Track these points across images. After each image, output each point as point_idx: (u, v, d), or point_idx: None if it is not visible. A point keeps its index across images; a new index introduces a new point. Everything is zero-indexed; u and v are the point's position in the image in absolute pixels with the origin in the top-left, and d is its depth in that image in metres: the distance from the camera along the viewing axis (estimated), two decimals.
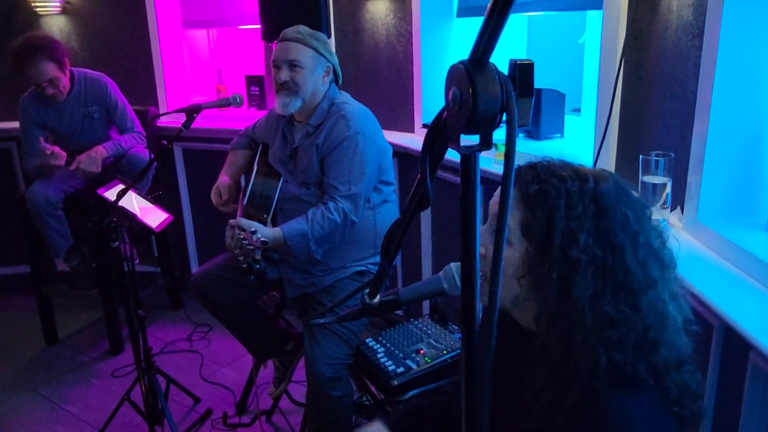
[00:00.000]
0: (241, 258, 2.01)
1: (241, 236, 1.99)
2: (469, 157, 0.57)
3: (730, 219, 1.56)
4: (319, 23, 2.68)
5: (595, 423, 0.90)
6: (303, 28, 2.17)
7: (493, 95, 0.53)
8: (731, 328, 1.33)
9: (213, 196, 2.42)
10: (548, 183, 0.94)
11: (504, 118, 0.54)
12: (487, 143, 0.56)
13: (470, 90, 0.53)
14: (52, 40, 2.96)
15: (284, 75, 2.12)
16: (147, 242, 3.81)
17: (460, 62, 0.54)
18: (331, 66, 2.18)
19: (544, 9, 2.52)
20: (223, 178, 2.44)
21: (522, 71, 0.55)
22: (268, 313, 2.54)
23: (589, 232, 0.92)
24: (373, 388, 2.09)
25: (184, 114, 2.18)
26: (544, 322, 0.94)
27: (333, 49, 2.85)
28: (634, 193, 0.98)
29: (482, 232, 1.04)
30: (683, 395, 0.96)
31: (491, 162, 2.40)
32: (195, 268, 3.90)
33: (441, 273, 1.12)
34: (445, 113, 0.61)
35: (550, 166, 0.98)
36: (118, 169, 3.09)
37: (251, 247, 1.96)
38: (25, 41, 2.87)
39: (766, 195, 1.50)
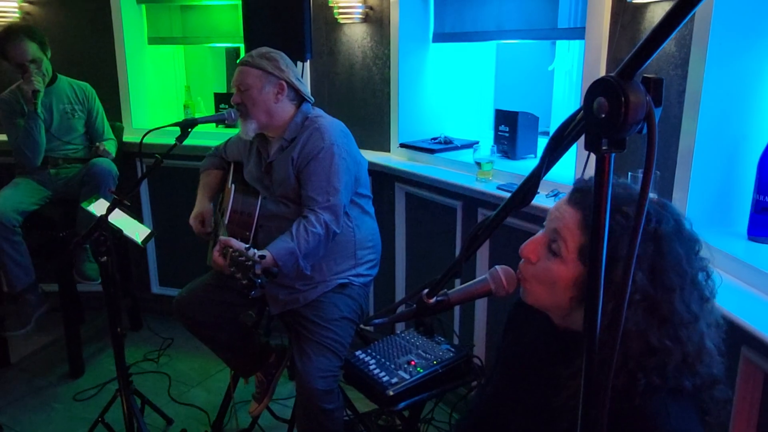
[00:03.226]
0: (239, 275, 1.99)
1: (236, 254, 1.98)
2: (605, 158, 0.66)
3: (713, 229, 1.73)
4: (302, 45, 2.74)
5: (635, 418, 0.97)
6: (258, 50, 2.22)
7: (640, 104, 0.62)
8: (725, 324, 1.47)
9: (194, 223, 2.41)
10: (613, 218, 0.96)
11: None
12: (621, 146, 0.66)
13: (622, 99, 0.62)
14: (32, 25, 3.08)
15: (235, 98, 2.19)
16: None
17: (608, 76, 0.63)
18: (283, 82, 2.18)
19: (519, 38, 2.69)
20: (204, 203, 2.44)
21: (655, 86, 0.65)
22: (252, 329, 2.54)
23: (645, 271, 0.97)
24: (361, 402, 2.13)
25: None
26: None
27: (303, 67, 2.92)
28: (687, 227, 1.04)
29: (537, 240, 1.11)
30: (715, 407, 1.04)
31: (473, 180, 2.52)
32: (156, 288, 3.82)
33: (487, 275, 1.20)
34: (576, 120, 0.70)
35: (616, 197, 0.95)
36: (81, 181, 3.03)
37: (249, 263, 1.96)
38: (5, 26, 2.96)
39: (744, 207, 1.68)
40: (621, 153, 0.67)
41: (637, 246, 0.65)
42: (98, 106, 3.24)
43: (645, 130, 0.65)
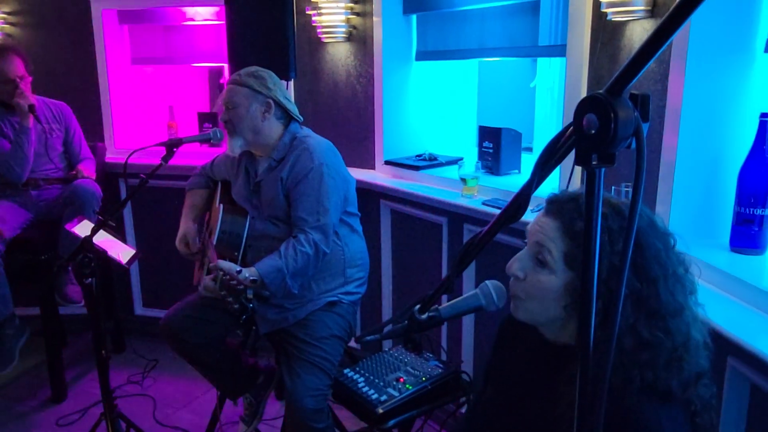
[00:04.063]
0: (231, 299, 1.97)
1: (227, 278, 1.97)
2: (595, 173, 0.68)
3: (696, 241, 1.76)
4: (286, 64, 2.76)
5: (628, 429, 0.98)
6: (246, 69, 2.23)
7: (628, 120, 0.64)
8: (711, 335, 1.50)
9: (179, 245, 2.39)
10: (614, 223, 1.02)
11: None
12: (610, 160, 0.67)
13: (611, 115, 0.63)
14: (16, 44, 3.16)
15: (223, 116, 2.21)
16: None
17: (598, 93, 0.65)
18: (270, 101, 2.20)
19: (500, 56, 2.73)
20: (189, 225, 2.42)
21: (643, 102, 0.67)
22: (238, 349, 2.52)
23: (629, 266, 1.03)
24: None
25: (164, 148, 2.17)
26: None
27: (288, 86, 2.94)
28: (660, 224, 1.09)
29: (522, 257, 1.13)
30: (703, 407, 1.06)
31: (458, 196, 2.54)
32: (140, 309, 3.78)
33: (478, 289, 1.21)
34: (565, 136, 0.72)
35: None
36: (63, 202, 3.00)
37: (241, 287, 1.95)
38: None
39: (726, 220, 1.71)
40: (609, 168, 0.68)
41: (630, 252, 0.66)
42: (75, 124, 3.23)
43: (634, 145, 0.67)
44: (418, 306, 1.14)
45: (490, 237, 0.89)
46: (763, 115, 1.59)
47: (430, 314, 1.18)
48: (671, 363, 1.02)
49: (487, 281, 1.20)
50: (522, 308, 1.15)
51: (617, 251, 1.02)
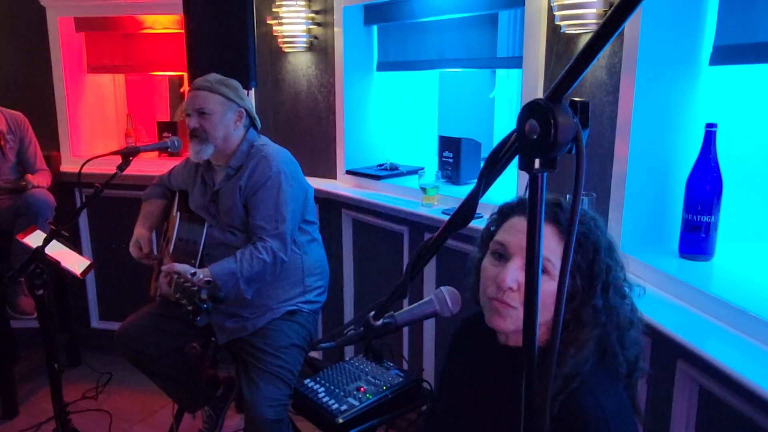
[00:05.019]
0: (185, 301, 1.96)
1: (181, 280, 1.96)
2: (538, 177, 0.69)
3: (647, 248, 1.80)
4: (247, 73, 2.75)
5: (570, 416, 1.04)
6: (212, 76, 2.23)
7: (568, 126, 0.66)
8: (659, 340, 1.54)
9: (133, 249, 2.35)
10: (585, 225, 1.11)
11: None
12: (552, 165, 0.69)
13: (552, 121, 0.65)
14: None
15: (193, 122, 2.17)
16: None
17: (539, 99, 0.67)
18: (243, 110, 2.22)
19: (460, 66, 2.77)
20: (142, 231, 2.39)
21: (582, 108, 0.69)
22: (197, 360, 2.48)
23: (611, 258, 1.11)
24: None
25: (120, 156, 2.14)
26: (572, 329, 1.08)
27: (248, 95, 2.93)
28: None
29: (513, 268, 1.11)
30: (632, 370, 1.15)
31: (418, 205, 2.56)
32: (96, 322, 3.69)
33: (432, 296, 1.22)
34: (510, 142, 0.73)
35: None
36: (15, 212, 2.93)
37: (195, 288, 1.93)
38: None
39: (676, 227, 1.76)
40: (553, 173, 0.70)
41: (572, 253, 0.68)
42: (30, 134, 3.16)
43: (574, 150, 0.68)
44: (372, 312, 1.14)
45: (441, 242, 0.90)
46: (708, 125, 1.64)
47: (386, 320, 1.18)
48: (621, 333, 1.11)
49: (441, 287, 1.21)
50: (515, 317, 1.13)
51: (605, 248, 1.11)
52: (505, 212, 1.19)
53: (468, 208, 0.82)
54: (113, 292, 3.62)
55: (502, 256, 1.14)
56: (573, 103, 0.70)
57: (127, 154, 2.14)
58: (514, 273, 1.10)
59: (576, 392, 1.05)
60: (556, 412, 1.04)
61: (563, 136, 0.66)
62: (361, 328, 1.17)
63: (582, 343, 1.07)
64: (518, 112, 0.70)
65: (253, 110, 2.28)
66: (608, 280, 1.09)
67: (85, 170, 2.30)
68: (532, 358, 0.72)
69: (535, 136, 0.67)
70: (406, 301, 1.22)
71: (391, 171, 2.99)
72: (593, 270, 1.09)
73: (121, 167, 2.14)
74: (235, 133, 2.21)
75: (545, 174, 0.70)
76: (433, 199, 2.54)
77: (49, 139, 3.42)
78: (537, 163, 0.69)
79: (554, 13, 1.96)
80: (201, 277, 1.96)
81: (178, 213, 2.31)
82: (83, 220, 3.52)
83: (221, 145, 2.19)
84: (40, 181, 3.08)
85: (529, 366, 0.72)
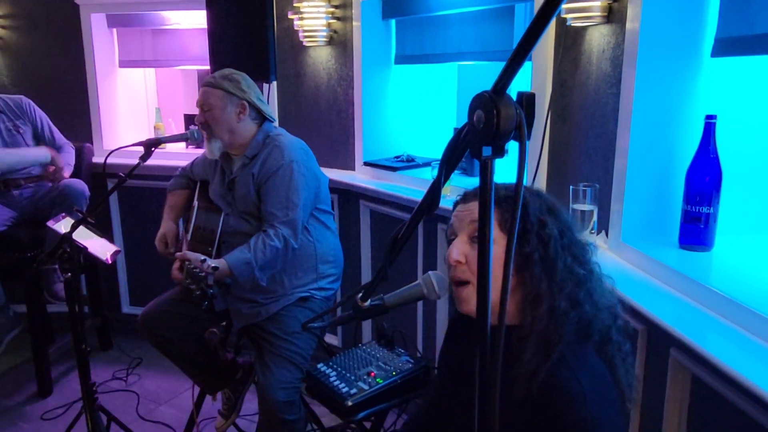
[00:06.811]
0: (193, 286, 2.04)
1: (191, 266, 2.05)
2: (487, 163, 0.74)
3: (647, 239, 1.82)
4: (267, 68, 2.83)
5: (550, 393, 1.07)
6: (220, 72, 2.31)
7: (510, 116, 0.71)
8: (654, 329, 1.56)
9: (158, 244, 2.45)
10: (510, 189, 1.16)
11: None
12: (500, 152, 0.74)
13: (494, 111, 0.70)
14: None
15: (199, 117, 2.27)
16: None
17: (485, 91, 0.72)
18: (245, 102, 2.27)
19: (477, 59, 2.80)
20: (169, 225, 2.48)
21: (528, 100, 0.73)
22: (217, 345, 2.58)
23: (548, 216, 1.16)
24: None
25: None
26: (530, 303, 1.12)
27: (270, 89, 3.00)
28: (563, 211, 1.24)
29: (457, 243, 1.20)
30: (606, 341, 1.18)
31: None
32: (126, 308, 3.84)
33: (420, 280, 1.28)
34: (464, 132, 0.78)
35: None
36: (51, 201, 3.07)
37: (203, 274, 2.01)
38: None
39: (676, 218, 1.78)
40: (501, 159, 0.74)
41: (516, 231, 0.73)
42: (40, 114, 3.24)
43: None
44: (360, 294, 1.20)
45: (412, 229, 0.96)
46: (708, 117, 1.65)
47: (374, 302, 1.24)
48: (596, 300, 1.16)
49: (430, 272, 1.27)
50: (472, 293, 1.18)
51: (538, 207, 1.17)
52: (453, 209, 1.27)
53: (432, 196, 0.87)
54: (142, 279, 3.77)
55: (452, 240, 1.21)
56: (520, 95, 0.74)
57: (149, 145, 2.23)
58: (458, 247, 1.17)
59: (555, 368, 1.08)
60: (537, 390, 1.08)
61: (505, 125, 0.71)
62: (351, 310, 1.24)
63: (534, 298, 1.12)
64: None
65: (262, 101, 2.33)
66: (544, 233, 1.13)
67: (114, 162, 2.42)
68: (485, 319, 0.76)
69: (481, 126, 0.73)
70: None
71: (408, 162, 3.04)
72: (525, 225, 1.14)
73: (144, 158, 2.22)
74: (240, 125, 2.27)
75: (495, 161, 0.75)
76: (446, 190, 2.58)
77: (83, 132, 3.58)
78: (486, 150, 0.74)
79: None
80: (209, 263, 2.05)
81: (197, 202, 2.41)
82: (114, 210, 3.67)
83: (228, 138, 2.27)
84: (66, 169, 3.15)
85: (482, 329, 0.76)
